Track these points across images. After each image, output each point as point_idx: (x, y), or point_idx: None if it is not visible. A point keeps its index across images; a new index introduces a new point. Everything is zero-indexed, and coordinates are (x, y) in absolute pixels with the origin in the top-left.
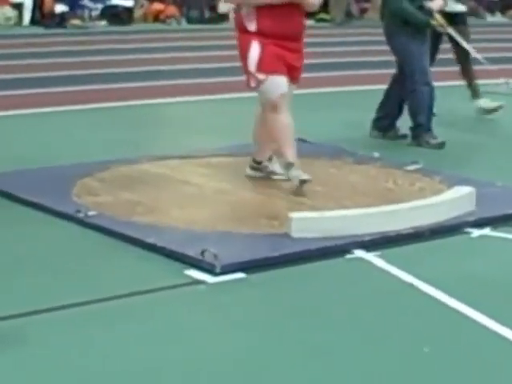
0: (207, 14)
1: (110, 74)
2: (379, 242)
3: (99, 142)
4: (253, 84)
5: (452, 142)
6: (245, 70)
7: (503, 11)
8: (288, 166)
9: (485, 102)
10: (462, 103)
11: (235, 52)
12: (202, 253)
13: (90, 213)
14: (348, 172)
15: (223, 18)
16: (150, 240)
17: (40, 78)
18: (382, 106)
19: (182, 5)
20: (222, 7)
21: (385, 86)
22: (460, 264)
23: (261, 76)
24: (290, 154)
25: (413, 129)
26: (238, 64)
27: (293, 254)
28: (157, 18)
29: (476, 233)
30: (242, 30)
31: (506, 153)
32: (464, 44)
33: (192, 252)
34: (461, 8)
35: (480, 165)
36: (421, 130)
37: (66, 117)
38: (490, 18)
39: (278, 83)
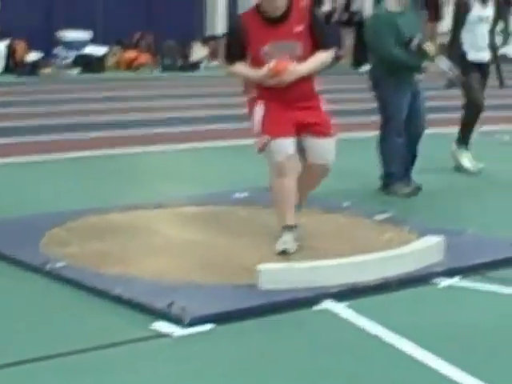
0: (180, 63)
1: (82, 123)
2: (348, 293)
3: (70, 192)
4: (259, 146)
5: (423, 190)
6: (253, 133)
7: None
8: (286, 228)
9: (467, 161)
10: (435, 150)
11: (208, 101)
12: (170, 305)
13: (58, 264)
14: (317, 221)
15: (196, 66)
16: (117, 292)
17: (11, 127)
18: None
19: (155, 53)
20: (195, 56)
21: (359, 134)
22: (427, 314)
23: (264, 139)
24: (290, 217)
25: (383, 177)
26: (211, 113)
27: (261, 306)
28: (130, 66)
29: (444, 283)
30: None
31: (478, 201)
32: (454, 75)
33: (159, 304)
34: (485, 57)
35: (451, 213)
36: (391, 179)
37: (37, 167)
38: None
39: (282, 145)
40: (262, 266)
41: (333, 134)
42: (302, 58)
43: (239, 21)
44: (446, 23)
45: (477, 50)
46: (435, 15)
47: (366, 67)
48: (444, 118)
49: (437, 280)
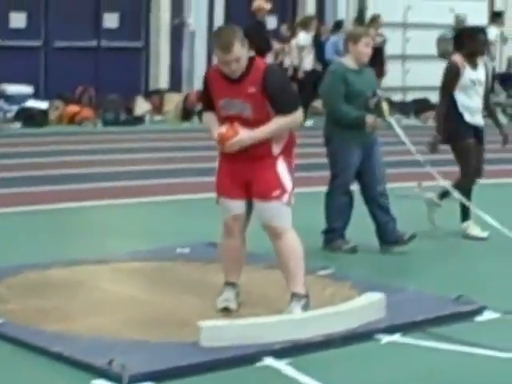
0: (123, 117)
1: (23, 177)
2: (290, 350)
3: (10, 247)
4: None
5: (365, 245)
6: None
7: (417, 114)
8: (227, 284)
9: (474, 230)
10: None
11: (150, 155)
12: (110, 362)
13: None
14: (259, 277)
15: (139, 120)
16: (57, 349)
17: None
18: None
19: (98, 107)
20: (139, 110)
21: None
22: (370, 371)
23: (217, 198)
24: (231, 274)
25: (326, 232)
26: (152, 167)
27: (203, 363)
28: (72, 120)
29: (385, 339)
30: None
31: (421, 256)
32: (403, 138)
33: (99, 362)
34: (481, 121)
35: (393, 269)
36: (333, 235)
37: None
38: (404, 121)
39: (227, 206)
40: (204, 323)
41: (275, 198)
42: (255, 120)
43: (206, 72)
44: (388, 79)
45: (471, 114)
46: (381, 72)
47: (309, 122)
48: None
49: (379, 336)
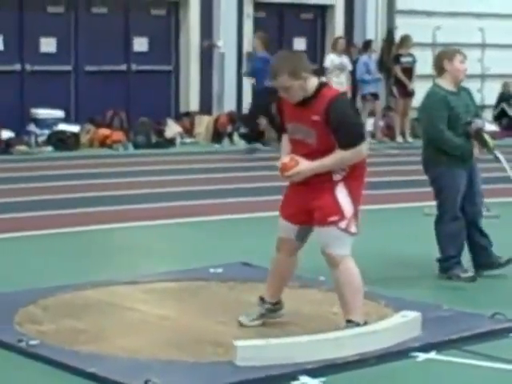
0: (154, 139)
1: (56, 200)
2: (325, 369)
3: (43, 269)
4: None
5: (399, 263)
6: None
7: None
8: (258, 299)
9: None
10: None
11: (181, 176)
12: (146, 383)
13: (32, 342)
14: (294, 296)
15: (170, 142)
16: (92, 370)
17: None
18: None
19: (129, 130)
20: (169, 132)
21: None
22: None
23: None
24: (268, 290)
25: (441, 261)
26: (183, 189)
27: (238, 383)
28: (103, 143)
29: (421, 357)
30: None
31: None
32: (509, 171)
33: (135, 382)
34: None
35: (426, 287)
36: (450, 263)
37: (9, 244)
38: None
39: (281, 225)
40: (239, 343)
41: (332, 223)
42: (318, 148)
43: (279, 95)
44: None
45: None
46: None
47: None
48: None
49: (415, 354)
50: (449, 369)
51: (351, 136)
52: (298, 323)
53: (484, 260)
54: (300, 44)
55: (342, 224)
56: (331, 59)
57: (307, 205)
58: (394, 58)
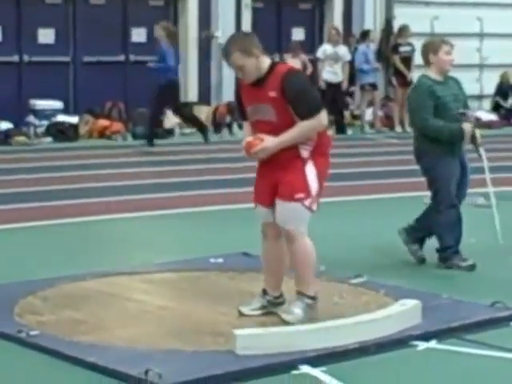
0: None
1: (55, 191)
2: (325, 358)
3: (43, 260)
4: None
5: (398, 252)
6: None
7: None
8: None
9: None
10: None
11: (180, 167)
12: (146, 372)
13: (32, 332)
14: (293, 286)
15: (169, 133)
16: (92, 359)
17: None
18: (419, 219)
19: (127, 121)
20: (168, 123)
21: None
22: (406, 377)
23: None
24: (266, 281)
25: (440, 251)
26: (183, 179)
27: (238, 372)
28: (102, 134)
29: (422, 346)
30: None
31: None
32: (486, 171)
33: (135, 372)
34: None
35: (425, 276)
36: (449, 253)
37: (9, 234)
38: None
39: (258, 212)
40: (239, 332)
41: (297, 200)
42: (279, 124)
43: (237, 82)
44: None
45: None
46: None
47: (329, 132)
48: None
49: (415, 343)
50: (449, 358)
51: (309, 105)
52: (313, 318)
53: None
54: (298, 34)
55: (307, 202)
56: (324, 49)
57: (275, 179)
58: (392, 47)
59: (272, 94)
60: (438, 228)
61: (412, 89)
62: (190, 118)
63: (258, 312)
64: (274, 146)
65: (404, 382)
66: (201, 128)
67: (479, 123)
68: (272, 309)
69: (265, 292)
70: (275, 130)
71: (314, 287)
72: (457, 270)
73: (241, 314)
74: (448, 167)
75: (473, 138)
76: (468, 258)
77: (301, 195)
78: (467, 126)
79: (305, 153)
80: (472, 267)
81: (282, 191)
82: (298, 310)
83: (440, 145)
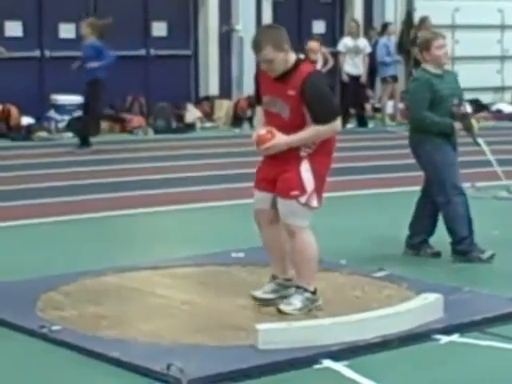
0: (174, 124)
1: (77, 186)
2: (347, 352)
3: (65, 255)
4: None
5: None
6: None
7: None
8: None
9: None
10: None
11: (202, 161)
12: (168, 367)
13: (54, 328)
14: (316, 280)
15: (190, 127)
16: (115, 354)
17: (5, 191)
18: (414, 222)
19: (149, 115)
20: (189, 117)
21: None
22: (429, 372)
23: None
24: (272, 267)
25: (454, 243)
26: (204, 173)
27: (260, 366)
28: (123, 129)
29: (444, 339)
30: None
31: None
32: (490, 157)
33: (158, 366)
34: None
35: (447, 270)
36: (466, 244)
37: (31, 229)
38: None
39: (255, 197)
40: (261, 326)
41: (293, 197)
42: (291, 123)
43: (257, 68)
44: None
45: None
46: None
47: (351, 125)
48: None
49: (437, 336)
50: (472, 351)
51: (326, 111)
52: (312, 311)
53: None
54: (319, 27)
55: (303, 199)
56: (344, 42)
57: (273, 174)
58: (412, 40)
59: (291, 92)
60: (448, 221)
61: (411, 81)
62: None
63: (271, 296)
64: (284, 144)
65: (427, 376)
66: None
67: (485, 116)
68: (283, 292)
69: (274, 276)
70: (285, 127)
71: (314, 282)
72: (478, 262)
73: (254, 298)
74: (446, 154)
75: (470, 129)
76: (485, 249)
77: (295, 192)
78: (458, 125)
79: (303, 153)
80: (492, 258)
81: (279, 188)
82: (296, 301)
83: (435, 136)
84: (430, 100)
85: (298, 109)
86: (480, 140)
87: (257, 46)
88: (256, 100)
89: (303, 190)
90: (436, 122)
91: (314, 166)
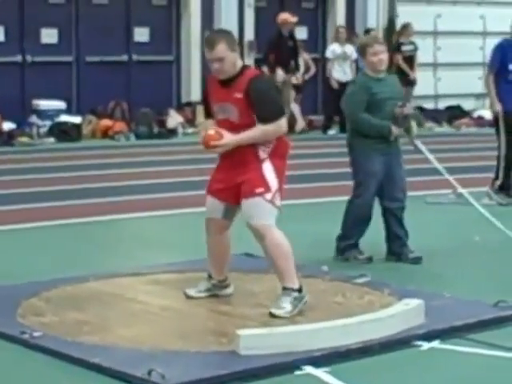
0: (156, 130)
1: (58, 192)
2: (328, 358)
3: (46, 261)
4: None
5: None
6: None
7: (450, 122)
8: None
9: None
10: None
11: (183, 167)
12: (149, 373)
13: (35, 333)
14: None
15: (172, 133)
16: (96, 360)
17: None
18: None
19: (130, 121)
20: (171, 122)
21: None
22: (410, 378)
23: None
24: (211, 269)
25: (339, 239)
26: (186, 179)
27: (241, 372)
28: (105, 134)
29: (425, 346)
30: None
31: (455, 263)
32: (431, 158)
33: (139, 372)
34: None
35: (428, 276)
36: (345, 244)
37: (10, 235)
38: (437, 129)
39: (207, 205)
40: (242, 332)
41: (258, 194)
42: (241, 125)
43: (205, 80)
44: (419, 87)
45: None
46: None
47: (333, 131)
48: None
49: (418, 343)
50: (453, 357)
51: (270, 110)
52: (302, 313)
53: (397, 249)
54: (301, 33)
55: (268, 196)
56: (332, 49)
57: (234, 180)
58: (395, 46)
59: (238, 95)
60: (346, 216)
61: (350, 84)
62: None
63: (204, 294)
64: (232, 144)
65: (408, 382)
66: None
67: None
68: (218, 291)
69: (210, 276)
70: (235, 130)
71: (296, 279)
72: (354, 261)
73: (187, 297)
74: (372, 164)
75: (408, 131)
76: (364, 252)
77: (260, 189)
78: (395, 129)
79: (262, 154)
80: (370, 260)
81: (243, 190)
82: (286, 305)
83: (369, 141)
84: (367, 103)
85: (246, 111)
86: (420, 144)
87: (210, 43)
88: (205, 113)
89: (268, 187)
90: (373, 124)
91: (275, 167)
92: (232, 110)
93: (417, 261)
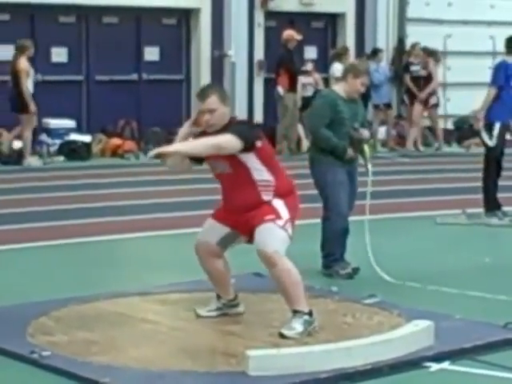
0: None
1: (67, 210)
2: (337, 379)
3: (56, 280)
4: None
5: (410, 273)
6: None
7: (459, 141)
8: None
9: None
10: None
11: (193, 186)
12: None
13: (45, 353)
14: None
15: None
16: (105, 380)
17: None
18: (322, 245)
19: (140, 139)
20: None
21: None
22: None
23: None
24: (219, 291)
25: (323, 257)
26: (196, 198)
27: None
28: (115, 152)
29: (435, 367)
30: None
31: (465, 284)
32: (369, 185)
33: None
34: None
35: (438, 297)
36: (332, 260)
37: (20, 254)
38: (446, 149)
39: (205, 227)
40: (251, 352)
41: (269, 220)
42: (237, 177)
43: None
44: None
45: None
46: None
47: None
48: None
49: (428, 364)
50: (462, 379)
51: (235, 128)
52: (311, 333)
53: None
54: (311, 53)
55: (280, 222)
56: (335, 66)
57: (244, 216)
58: (404, 66)
59: None
60: (324, 234)
61: (317, 97)
62: None
63: (215, 313)
64: (182, 146)
65: None
66: None
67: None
68: (228, 310)
69: (219, 296)
70: (235, 182)
71: (306, 304)
72: (336, 277)
73: (198, 316)
74: (336, 175)
75: (362, 153)
76: (348, 266)
77: (271, 216)
78: (350, 151)
79: (266, 197)
80: (350, 275)
81: (254, 222)
82: (297, 325)
83: (331, 154)
84: (330, 119)
85: (235, 162)
86: (370, 168)
87: (203, 93)
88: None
89: (278, 215)
90: (331, 141)
91: (285, 203)
92: (224, 164)
93: (355, 270)
